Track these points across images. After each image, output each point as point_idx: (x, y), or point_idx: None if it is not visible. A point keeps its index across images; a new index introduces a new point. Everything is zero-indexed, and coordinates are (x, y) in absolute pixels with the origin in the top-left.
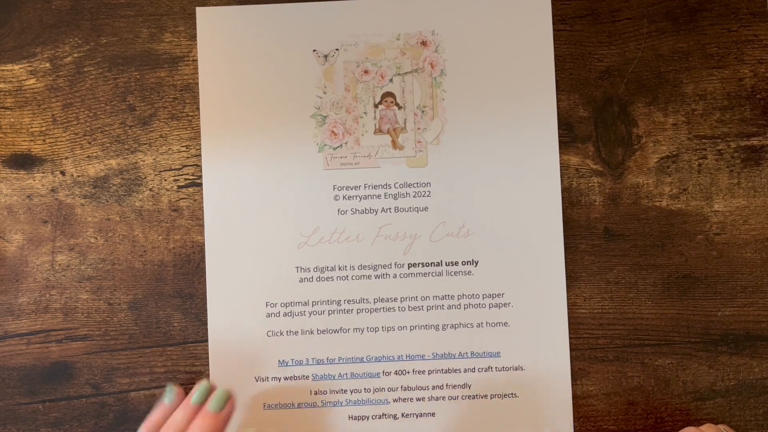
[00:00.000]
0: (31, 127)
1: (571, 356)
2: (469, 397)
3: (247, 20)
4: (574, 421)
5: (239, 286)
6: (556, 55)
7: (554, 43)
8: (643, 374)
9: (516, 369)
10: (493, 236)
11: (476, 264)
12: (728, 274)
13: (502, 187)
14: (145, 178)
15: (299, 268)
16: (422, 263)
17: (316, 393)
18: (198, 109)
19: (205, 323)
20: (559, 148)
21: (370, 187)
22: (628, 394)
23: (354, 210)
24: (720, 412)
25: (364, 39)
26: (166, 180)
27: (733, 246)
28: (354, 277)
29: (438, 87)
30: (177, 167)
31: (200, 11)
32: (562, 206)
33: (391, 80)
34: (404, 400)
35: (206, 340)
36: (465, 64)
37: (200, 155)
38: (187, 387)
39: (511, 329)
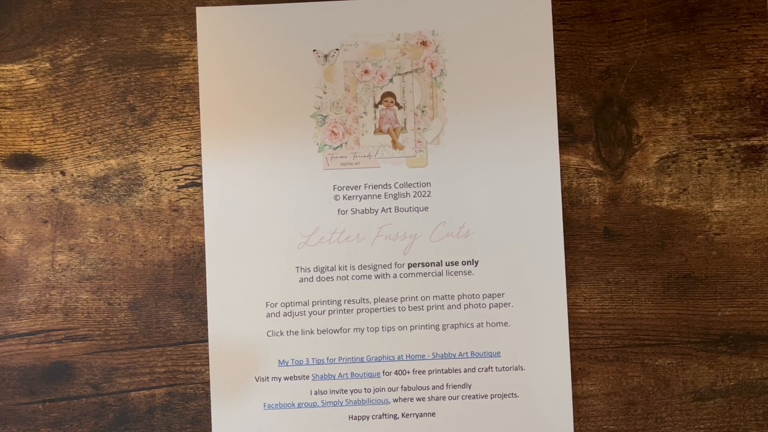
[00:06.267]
0: (31, 127)
1: (571, 356)
2: (469, 397)
3: (247, 20)
4: (574, 421)
5: (239, 286)
6: (556, 55)
7: (554, 43)
8: (643, 374)
9: (516, 369)
10: (493, 236)
11: (476, 264)
12: (728, 274)
13: (502, 187)
14: (145, 178)
15: (299, 268)
16: (422, 263)
17: (316, 393)
18: (198, 109)
19: (205, 323)
20: (559, 148)
21: (370, 187)
22: (628, 394)
23: (354, 210)
24: (720, 412)
25: (364, 39)
26: (166, 180)
27: (733, 246)
28: (354, 277)
29: (438, 87)
30: (177, 167)
31: (200, 11)
32: (562, 206)
33: (391, 80)
34: (404, 400)
35: (206, 340)
36: (465, 64)
37: (200, 155)
38: (187, 387)
39: (511, 329)
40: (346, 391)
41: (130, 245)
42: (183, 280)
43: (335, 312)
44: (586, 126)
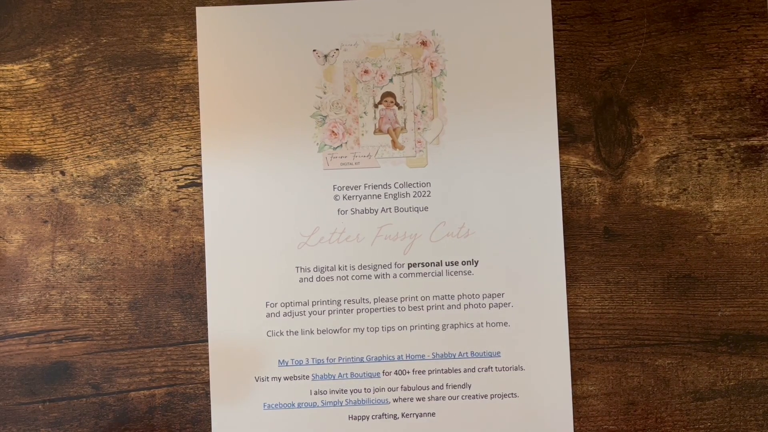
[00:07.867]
0: (31, 127)
1: (571, 356)
2: (469, 397)
3: (247, 20)
4: (574, 421)
5: (239, 286)
6: (556, 55)
7: (554, 43)
8: (643, 374)
9: (516, 369)
10: (493, 236)
11: (476, 264)
12: (728, 274)
13: (502, 186)
14: (145, 178)
15: (299, 268)
16: (422, 263)
17: (316, 393)
18: (198, 109)
19: (205, 323)
20: (559, 148)
21: (370, 187)
22: (628, 394)
23: (354, 210)
24: (720, 412)
25: (364, 39)
26: (166, 180)
27: (733, 246)
28: (354, 277)
29: (438, 87)
30: (177, 167)
31: (200, 11)
32: (562, 206)
33: (391, 80)
34: (404, 400)
35: (206, 340)
36: (465, 64)
37: (200, 155)
38: (187, 387)
39: (511, 329)
40: (346, 391)
41: (130, 245)
42: (183, 280)
43: (335, 312)
44: (586, 126)
